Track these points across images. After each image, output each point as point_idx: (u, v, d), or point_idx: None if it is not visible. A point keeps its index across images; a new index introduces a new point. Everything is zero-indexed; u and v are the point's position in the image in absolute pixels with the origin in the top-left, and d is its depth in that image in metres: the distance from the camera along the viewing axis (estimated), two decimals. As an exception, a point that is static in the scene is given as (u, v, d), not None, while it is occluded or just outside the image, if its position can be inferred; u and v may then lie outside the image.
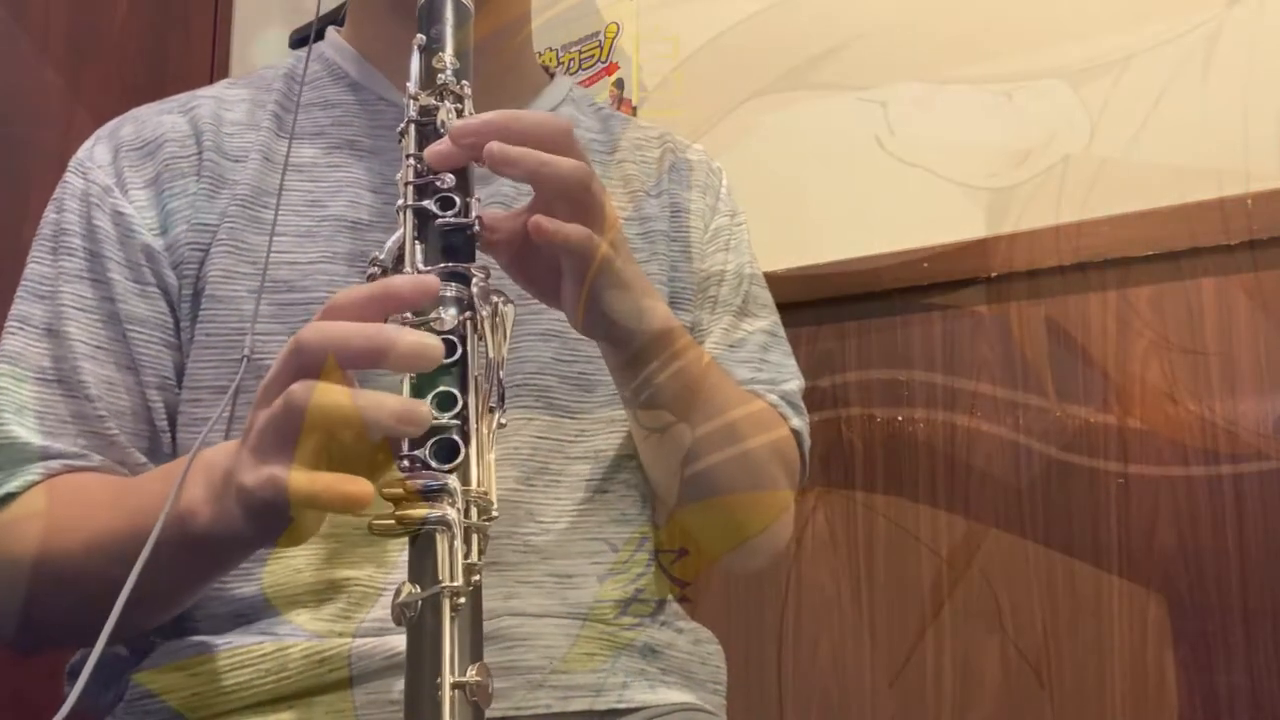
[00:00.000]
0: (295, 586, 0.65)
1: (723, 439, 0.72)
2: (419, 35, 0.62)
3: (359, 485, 0.47)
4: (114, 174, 0.70)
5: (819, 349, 1.20)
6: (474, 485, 0.49)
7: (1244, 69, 0.98)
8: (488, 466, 0.50)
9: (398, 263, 0.55)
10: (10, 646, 0.68)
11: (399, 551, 0.65)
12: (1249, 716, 0.91)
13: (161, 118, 0.73)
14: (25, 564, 0.62)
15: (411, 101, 0.59)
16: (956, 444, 1.10)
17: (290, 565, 0.66)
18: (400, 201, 0.56)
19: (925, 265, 1.13)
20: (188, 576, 0.59)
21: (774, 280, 0.91)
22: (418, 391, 0.50)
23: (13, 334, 0.68)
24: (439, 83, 0.60)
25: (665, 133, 0.87)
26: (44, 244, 0.71)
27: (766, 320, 0.84)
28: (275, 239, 0.68)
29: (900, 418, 1.14)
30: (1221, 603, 0.94)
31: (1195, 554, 0.95)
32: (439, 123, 0.58)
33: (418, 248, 0.54)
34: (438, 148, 0.56)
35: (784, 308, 0.89)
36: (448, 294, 0.53)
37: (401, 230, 0.55)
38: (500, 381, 0.53)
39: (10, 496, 0.64)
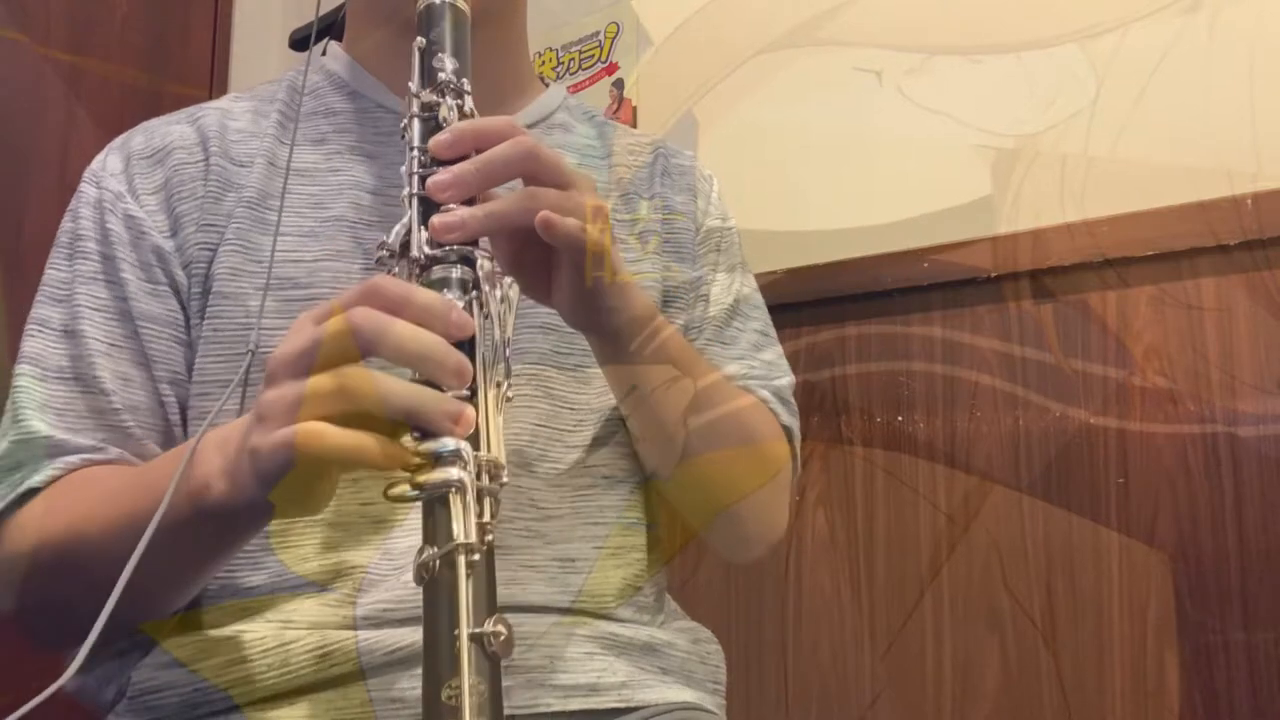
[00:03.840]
0: (301, 575, 0.66)
1: (712, 431, 0.74)
2: (419, 38, 0.64)
3: (369, 438, 0.49)
4: (125, 181, 0.73)
5: (819, 349, 1.20)
6: (484, 451, 0.51)
7: (1248, 66, 0.98)
8: (496, 433, 0.53)
9: (404, 248, 0.57)
10: (36, 641, 0.69)
11: (405, 538, 0.67)
12: (1249, 716, 0.91)
13: (169, 127, 0.76)
14: (51, 554, 0.64)
15: (414, 99, 0.62)
16: (956, 444, 1.10)
17: (297, 554, 0.67)
18: (406, 190, 0.59)
19: (925, 265, 1.13)
20: (205, 551, 0.60)
21: (773, 279, 0.92)
22: None
23: (32, 336, 0.71)
24: (439, 81, 0.62)
25: (658, 140, 0.89)
26: (61, 251, 0.74)
27: (758, 320, 0.86)
28: (282, 238, 0.71)
29: (900, 418, 1.14)
30: (1221, 602, 0.94)
31: (1195, 554, 0.95)
32: (440, 118, 0.60)
33: (423, 233, 0.57)
34: (442, 138, 0.59)
35: (783, 308, 0.89)
36: (454, 275, 0.56)
37: (408, 216, 0.58)
38: (507, 357, 0.55)
39: (33, 491, 0.66)
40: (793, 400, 0.84)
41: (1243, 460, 0.94)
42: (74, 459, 0.67)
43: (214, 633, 0.65)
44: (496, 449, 0.52)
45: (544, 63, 1.58)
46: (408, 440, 0.51)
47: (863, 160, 1.23)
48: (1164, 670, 0.95)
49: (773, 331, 0.87)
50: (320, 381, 0.50)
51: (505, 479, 0.52)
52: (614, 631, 0.71)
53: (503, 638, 0.48)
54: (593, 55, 1.52)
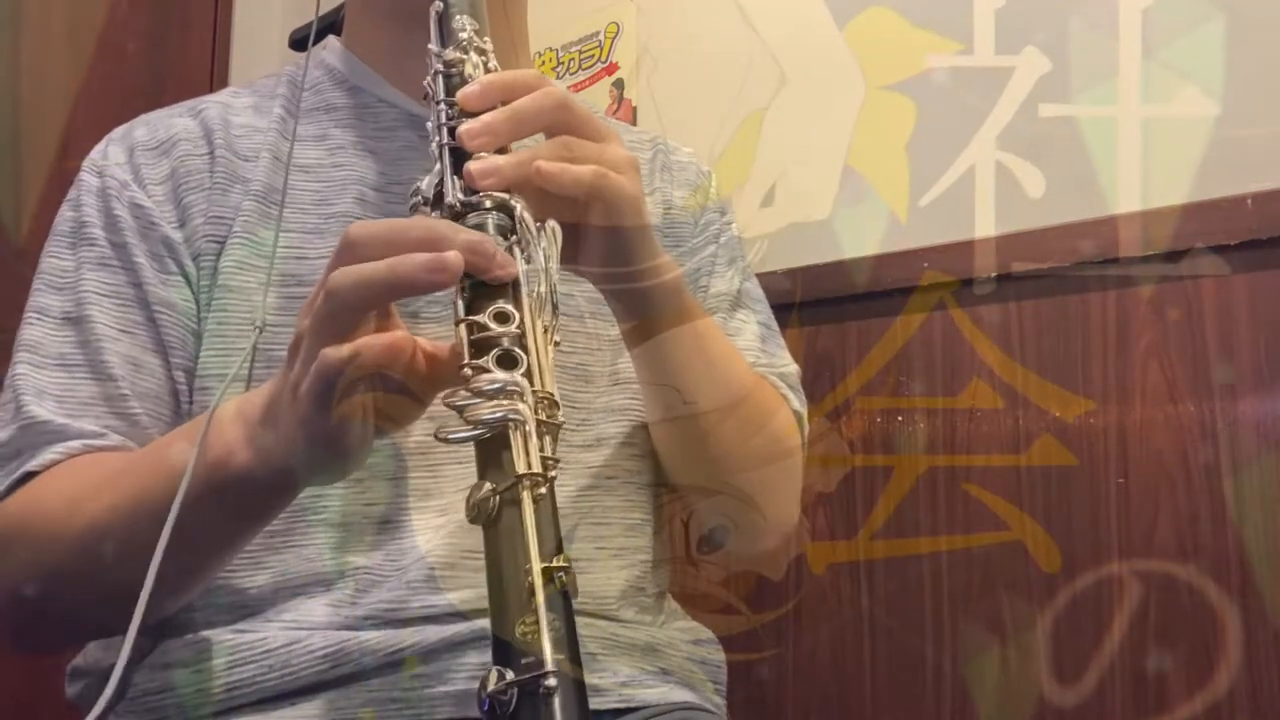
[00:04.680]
0: (303, 575, 0.66)
1: (731, 406, 0.73)
2: (436, 2, 0.64)
3: (396, 336, 0.48)
4: (130, 170, 0.72)
5: (819, 349, 1.20)
6: (538, 386, 0.50)
7: (1248, 68, 0.98)
8: (550, 369, 0.51)
9: (438, 198, 0.56)
10: (26, 638, 0.68)
11: (407, 538, 0.66)
12: (1249, 716, 0.91)
13: (172, 120, 0.75)
14: (46, 539, 0.62)
15: (435, 59, 0.61)
16: (956, 444, 1.10)
17: (300, 554, 0.66)
18: (435, 140, 0.58)
19: (925, 265, 1.13)
20: (220, 532, 0.59)
21: (774, 279, 0.92)
22: (472, 309, 0.51)
23: (31, 324, 0.69)
24: (460, 40, 0.61)
25: (657, 137, 0.89)
26: (61, 239, 0.72)
27: (761, 313, 0.86)
28: (285, 235, 0.70)
29: (900, 418, 1.14)
30: (1221, 603, 0.94)
31: (1195, 554, 0.95)
32: (465, 74, 0.60)
33: (456, 181, 0.56)
34: (471, 89, 0.58)
35: (784, 307, 0.90)
36: (490, 221, 0.54)
37: (439, 166, 0.57)
38: (554, 301, 0.53)
39: (30, 475, 0.65)
40: (800, 388, 0.84)
41: (1243, 460, 0.94)
42: (75, 444, 0.65)
43: (215, 633, 0.64)
44: (551, 384, 0.50)
45: (544, 63, 1.58)
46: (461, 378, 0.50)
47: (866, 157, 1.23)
48: (1164, 670, 0.95)
49: (775, 324, 0.87)
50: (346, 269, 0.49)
51: (561, 418, 0.50)
52: (615, 632, 0.71)
53: (572, 575, 0.46)
54: (593, 55, 1.52)
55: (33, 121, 1.57)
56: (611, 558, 0.73)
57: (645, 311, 0.67)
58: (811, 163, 1.27)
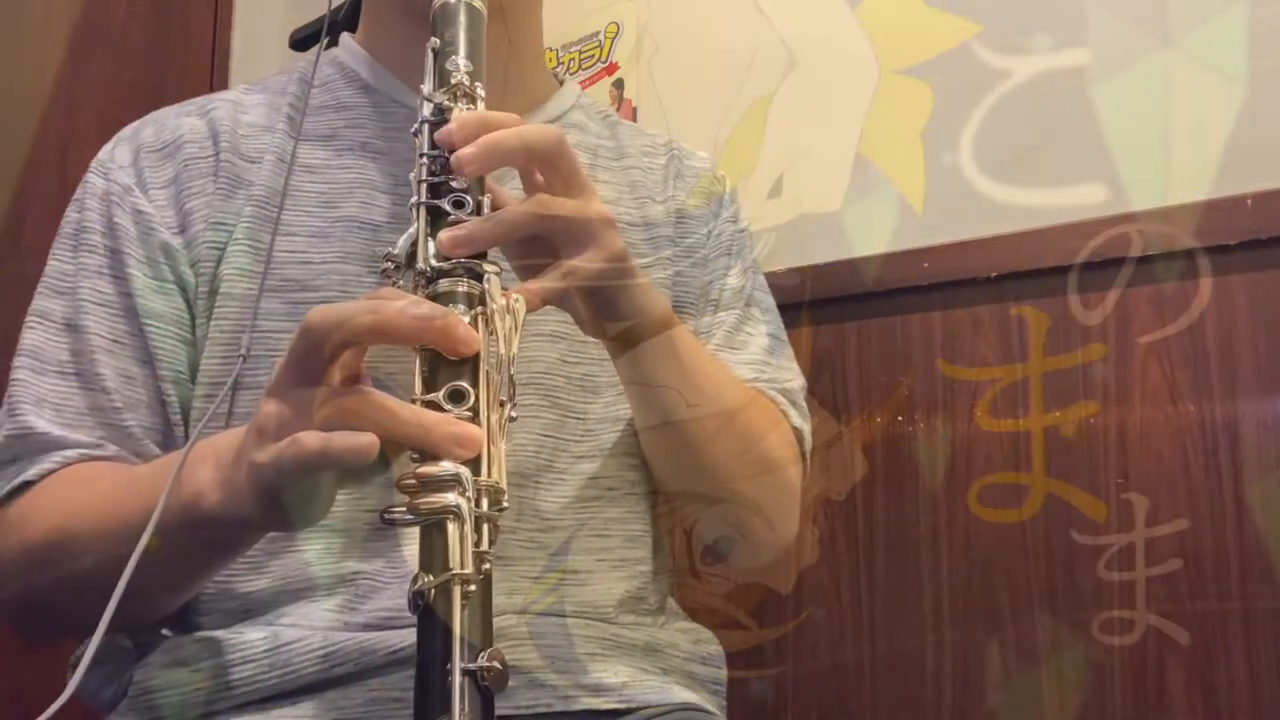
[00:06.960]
0: (304, 580, 0.66)
1: (723, 432, 0.73)
2: (433, 39, 0.63)
3: (366, 436, 0.48)
4: (134, 174, 0.72)
5: (819, 349, 1.20)
6: (484, 476, 0.50)
7: (1260, 65, 0.97)
8: (498, 458, 0.51)
9: (410, 260, 0.56)
10: (23, 633, 0.69)
11: (408, 545, 0.66)
12: (1249, 716, 0.91)
13: (180, 120, 0.75)
14: (40, 549, 0.63)
15: (426, 103, 0.61)
16: (956, 444, 1.10)
17: (300, 559, 0.66)
18: (414, 199, 0.58)
19: (925, 265, 1.13)
20: (197, 560, 0.60)
21: (774, 279, 0.92)
22: (430, 386, 0.52)
23: (33, 328, 0.70)
24: (453, 83, 0.61)
25: (671, 140, 0.88)
26: (65, 242, 0.72)
27: (769, 324, 0.86)
28: (290, 239, 0.70)
29: (900, 418, 1.14)
30: (1221, 603, 0.94)
31: (1195, 554, 0.95)
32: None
33: (430, 244, 0.56)
34: (450, 129, 0.58)
35: (784, 308, 0.89)
36: (460, 289, 0.54)
37: (415, 227, 0.57)
38: (511, 376, 0.54)
39: (27, 485, 0.66)
40: (804, 403, 0.83)
41: (1243, 460, 0.94)
42: (71, 454, 0.66)
43: (215, 633, 0.65)
44: (498, 474, 0.51)
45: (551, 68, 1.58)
46: (405, 461, 0.50)
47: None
48: (1164, 670, 0.95)
49: (784, 335, 0.87)
50: (322, 404, 0.50)
51: (506, 504, 0.51)
52: (615, 633, 0.71)
53: (496, 672, 0.47)
54: (593, 55, 1.52)
55: (34, 122, 1.57)
56: (611, 569, 0.73)
57: (630, 348, 0.68)
58: (821, 152, 1.24)
